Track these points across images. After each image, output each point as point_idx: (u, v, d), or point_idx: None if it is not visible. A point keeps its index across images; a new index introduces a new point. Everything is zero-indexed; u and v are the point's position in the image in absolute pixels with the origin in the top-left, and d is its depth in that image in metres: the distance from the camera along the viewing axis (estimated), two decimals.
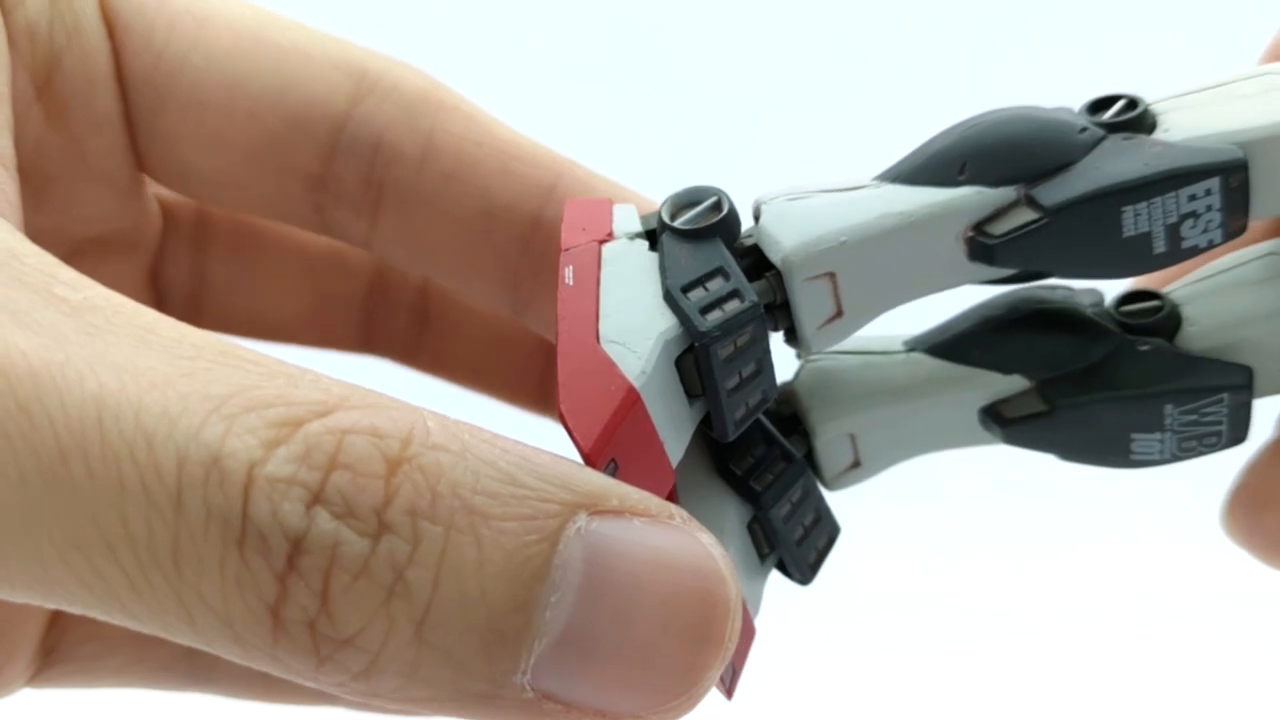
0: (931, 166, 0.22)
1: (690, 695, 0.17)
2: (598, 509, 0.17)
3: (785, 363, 0.24)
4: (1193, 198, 0.21)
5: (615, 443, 0.19)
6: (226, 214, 0.29)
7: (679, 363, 0.20)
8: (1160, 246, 0.21)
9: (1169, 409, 0.23)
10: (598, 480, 0.17)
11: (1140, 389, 0.23)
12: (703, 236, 0.21)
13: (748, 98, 0.64)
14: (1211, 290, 0.24)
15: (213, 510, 0.16)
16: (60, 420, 0.16)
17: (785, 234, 0.21)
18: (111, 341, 0.17)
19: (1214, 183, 0.21)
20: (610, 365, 0.19)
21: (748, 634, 0.23)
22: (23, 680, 0.25)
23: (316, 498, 0.16)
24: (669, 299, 0.21)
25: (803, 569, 0.24)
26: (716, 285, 0.21)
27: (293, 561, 0.16)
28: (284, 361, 0.17)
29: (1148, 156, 0.21)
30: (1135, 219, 0.21)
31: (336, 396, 0.17)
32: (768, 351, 0.21)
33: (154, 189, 0.28)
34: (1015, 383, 0.24)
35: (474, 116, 0.26)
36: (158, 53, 0.25)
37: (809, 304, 0.22)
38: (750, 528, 0.23)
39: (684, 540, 0.17)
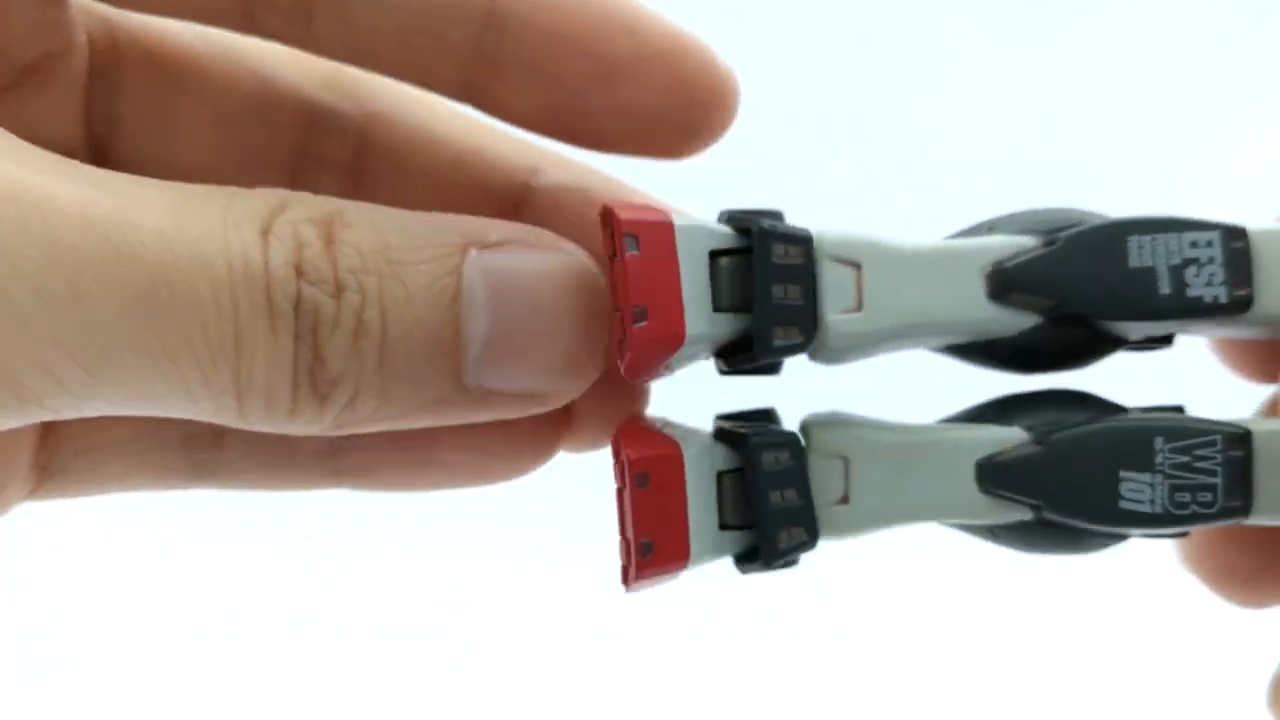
0: (963, 232, 0.24)
1: (593, 364, 0.23)
2: (484, 243, 0.22)
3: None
4: (1194, 244, 0.23)
5: (637, 225, 0.21)
6: (139, 49, 0.26)
7: (720, 262, 0.22)
8: (1165, 288, 0.23)
9: (1159, 442, 0.23)
10: (479, 223, 0.22)
11: (1133, 419, 0.23)
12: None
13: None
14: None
15: (255, 302, 0.20)
16: (145, 257, 0.20)
17: (821, 228, 0.23)
18: (118, 188, 0.21)
19: (1214, 235, 0.23)
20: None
21: (680, 556, 0.22)
22: (21, 497, 0.26)
23: (300, 274, 0.21)
24: (720, 220, 0.23)
25: (771, 544, 0.23)
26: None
27: (296, 328, 0.21)
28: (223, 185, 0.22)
29: (1155, 215, 0.23)
30: (1139, 250, 0.23)
31: (290, 197, 0.22)
32: (814, 295, 0.23)
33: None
34: (1014, 434, 0.24)
35: None
36: None
37: (832, 283, 0.23)
38: (720, 479, 0.23)
39: (555, 253, 0.23)
